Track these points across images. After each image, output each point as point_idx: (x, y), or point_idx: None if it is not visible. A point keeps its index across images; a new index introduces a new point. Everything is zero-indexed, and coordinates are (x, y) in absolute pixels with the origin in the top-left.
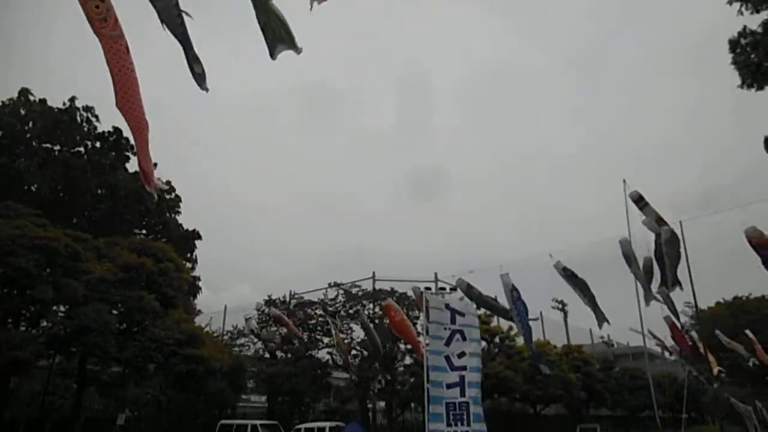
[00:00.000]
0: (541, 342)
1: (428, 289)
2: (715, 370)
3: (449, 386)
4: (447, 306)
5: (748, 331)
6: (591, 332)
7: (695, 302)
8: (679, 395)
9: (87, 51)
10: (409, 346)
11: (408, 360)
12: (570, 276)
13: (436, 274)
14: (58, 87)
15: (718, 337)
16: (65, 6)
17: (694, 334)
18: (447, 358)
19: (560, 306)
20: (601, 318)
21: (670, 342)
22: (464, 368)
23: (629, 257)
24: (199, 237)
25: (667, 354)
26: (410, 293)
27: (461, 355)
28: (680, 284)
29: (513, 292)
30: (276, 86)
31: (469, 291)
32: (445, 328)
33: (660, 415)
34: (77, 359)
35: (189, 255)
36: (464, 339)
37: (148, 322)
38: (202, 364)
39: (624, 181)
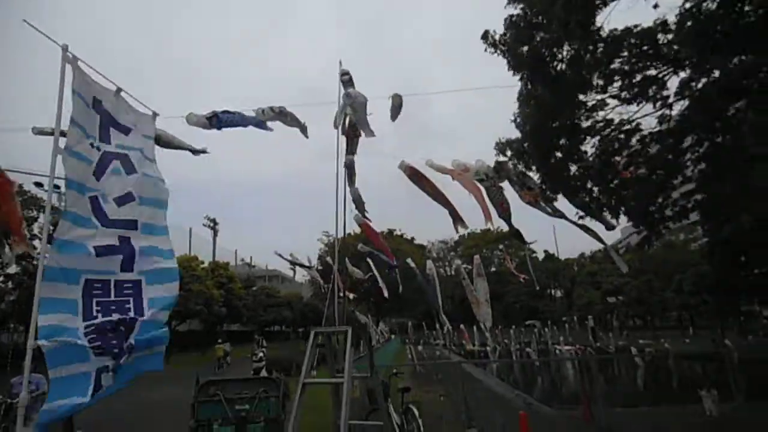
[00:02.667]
0: (188, 256)
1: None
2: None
3: (100, 253)
4: (99, 103)
5: (368, 259)
6: (236, 253)
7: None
8: (304, 312)
9: None
10: None
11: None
12: None
13: None
14: None
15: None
16: None
17: (328, 259)
18: (94, 200)
19: (211, 224)
20: None
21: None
22: (132, 224)
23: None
24: None
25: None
26: None
27: (124, 199)
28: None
29: None
30: None
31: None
32: (92, 145)
33: (286, 329)
34: None
35: None
36: (130, 172)
37: None
38: None
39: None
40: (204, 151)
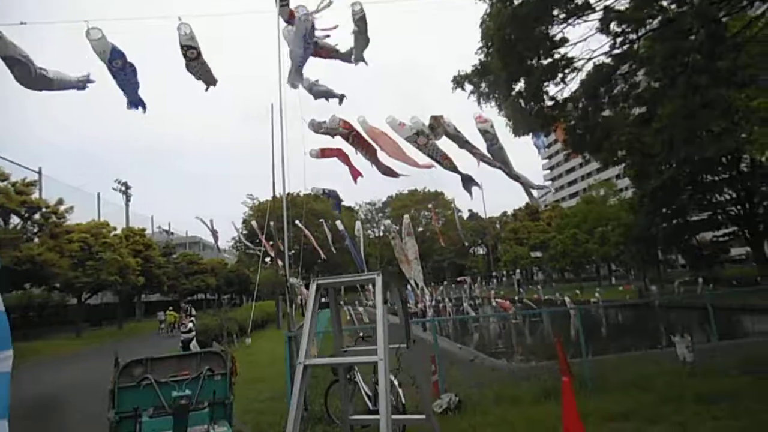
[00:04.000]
0: (97, 222)
1: None
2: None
3: None
4: None
5: (297, 222)
6: (152, 219)
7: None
8: (229, 279)
9: None
10: None
11: None
12: None
13: None
14: None
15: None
16: None
17: (254, 223)
18: None
19: (123, 188)
20: None
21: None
22: None
23: None
24: None
25: (222, 243)
26: None
27: None
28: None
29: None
30: None
31: None
32: None
33: (210, 297)
34: None
35: None
36: None
37: None
38: None
39: None
40: (89, 81)
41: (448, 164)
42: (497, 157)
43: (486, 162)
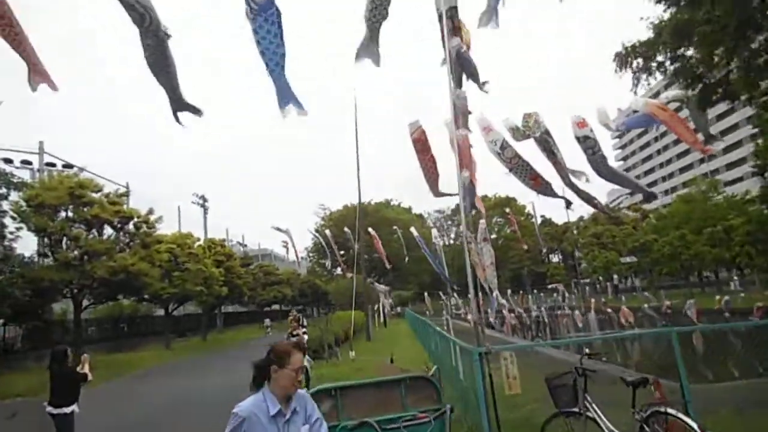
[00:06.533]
0: (181, 234)
1: None
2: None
3: None
4: None
5: (370, 229)
6: (227, 231)
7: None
8: (302, 289)
9: None
10: None
11: None
12: None
13: None
14: None
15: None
16: None
17: (328, 232)
18: None
19: (201, 201)
20: None
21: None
22: None
23: None
24: None
25: (291, 256)
26: None
27: None
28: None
29: None
30: None
31: None
32: None
33: (284, 308)
34: None
35: None
36: None
37: None
38: None
39: None
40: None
41: (537, 186)
42: (601, 167)
43: (567, 181)
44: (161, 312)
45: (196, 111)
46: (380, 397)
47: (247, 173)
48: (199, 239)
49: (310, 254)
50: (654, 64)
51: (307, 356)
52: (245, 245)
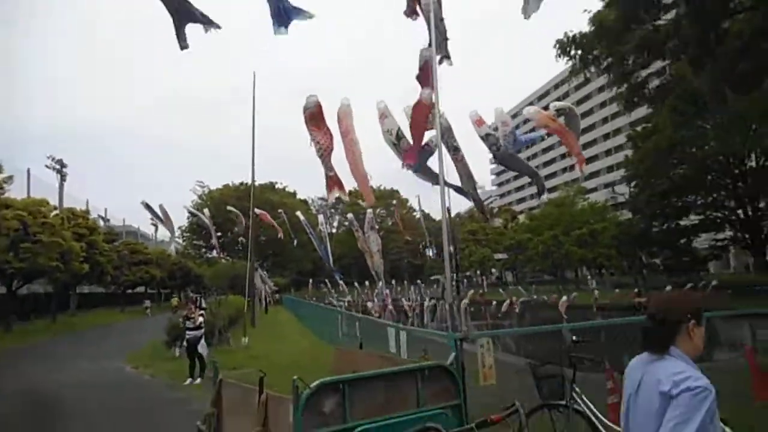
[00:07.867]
0: (33, 199)
1: None
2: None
3: None
4: None
5: (257, 210)
6: (87, 203)
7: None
8: (172, 271)
9: None
10: None
11: None
12: None
13: None
14: None
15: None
16: None
17: (206, 211)
18: None
19: (57, 166)
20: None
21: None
22: None
23: None
24: None
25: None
26: None
27: None
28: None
29: None
30: None
31: None
32: None
33: (150, 291)
34: None
35: None
36: None
37: None
38: None
39: None
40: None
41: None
42: (508, 160)
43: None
44: (2, 289)
45: (210, 23)
46: (392, 391)
47: (111, 142)
48: (55, 208)
49: (185, 234)
50: (590, 57)
51: (203, 342)
52: (108, 219)
